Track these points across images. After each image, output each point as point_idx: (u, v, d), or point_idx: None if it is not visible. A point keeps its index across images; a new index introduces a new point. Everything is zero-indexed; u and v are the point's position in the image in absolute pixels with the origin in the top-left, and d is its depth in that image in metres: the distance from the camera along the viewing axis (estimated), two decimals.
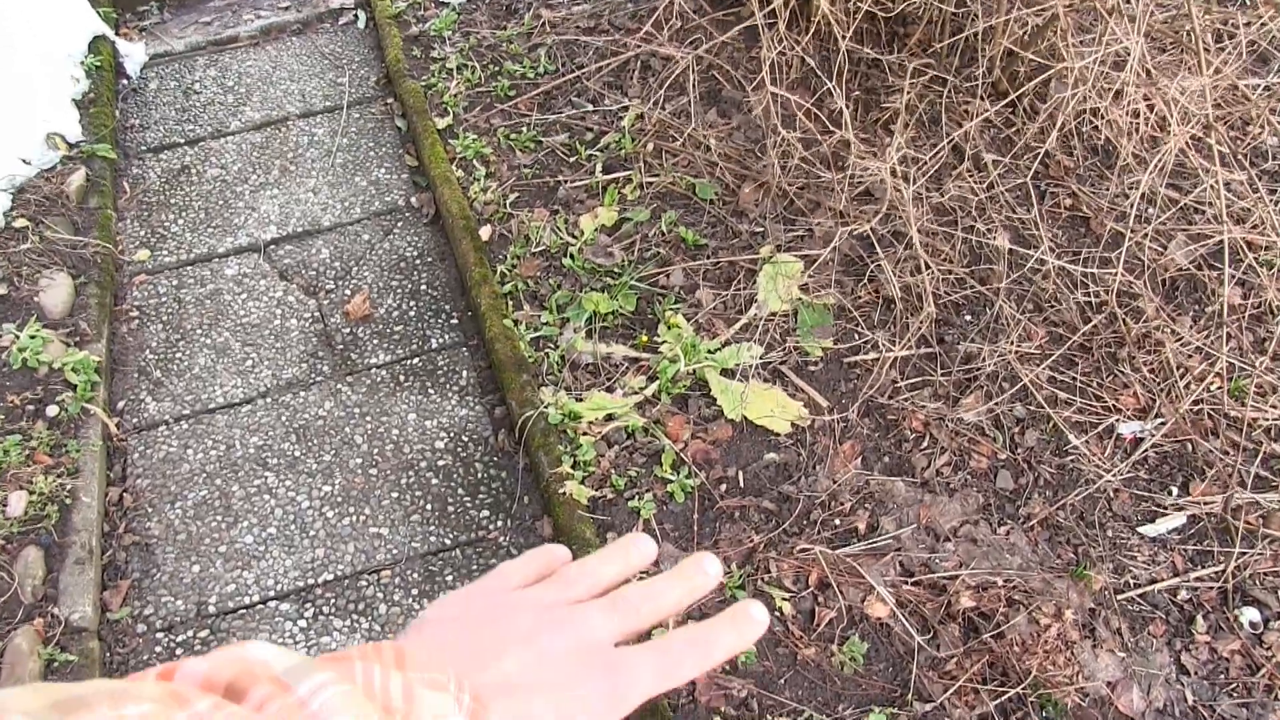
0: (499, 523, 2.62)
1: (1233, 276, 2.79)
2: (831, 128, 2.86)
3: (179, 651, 2.45)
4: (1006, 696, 2.20)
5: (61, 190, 3.38)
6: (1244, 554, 2.46)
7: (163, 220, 3.44)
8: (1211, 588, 2.43)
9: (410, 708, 0.46)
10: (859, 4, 2.76)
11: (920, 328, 2.71)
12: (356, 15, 4.34)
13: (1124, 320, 2.73)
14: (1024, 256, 2.81)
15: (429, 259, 3.23)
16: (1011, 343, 2.70)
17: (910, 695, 2.22)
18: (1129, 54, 2.51)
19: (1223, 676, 2.30)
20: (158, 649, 2.46)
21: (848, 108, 2.61)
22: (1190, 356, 2.76)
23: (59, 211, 3.33)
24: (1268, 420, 2.67)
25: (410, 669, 0.48)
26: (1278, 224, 2.59)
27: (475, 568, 2.53)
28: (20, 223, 3.24)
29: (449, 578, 2.52)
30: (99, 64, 3.95)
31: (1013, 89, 3.07)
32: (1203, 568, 2.46)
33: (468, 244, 3.05)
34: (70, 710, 0.36)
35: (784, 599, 2.32)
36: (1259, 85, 3.12)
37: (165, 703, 0.39)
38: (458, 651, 0.54)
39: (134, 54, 4.18)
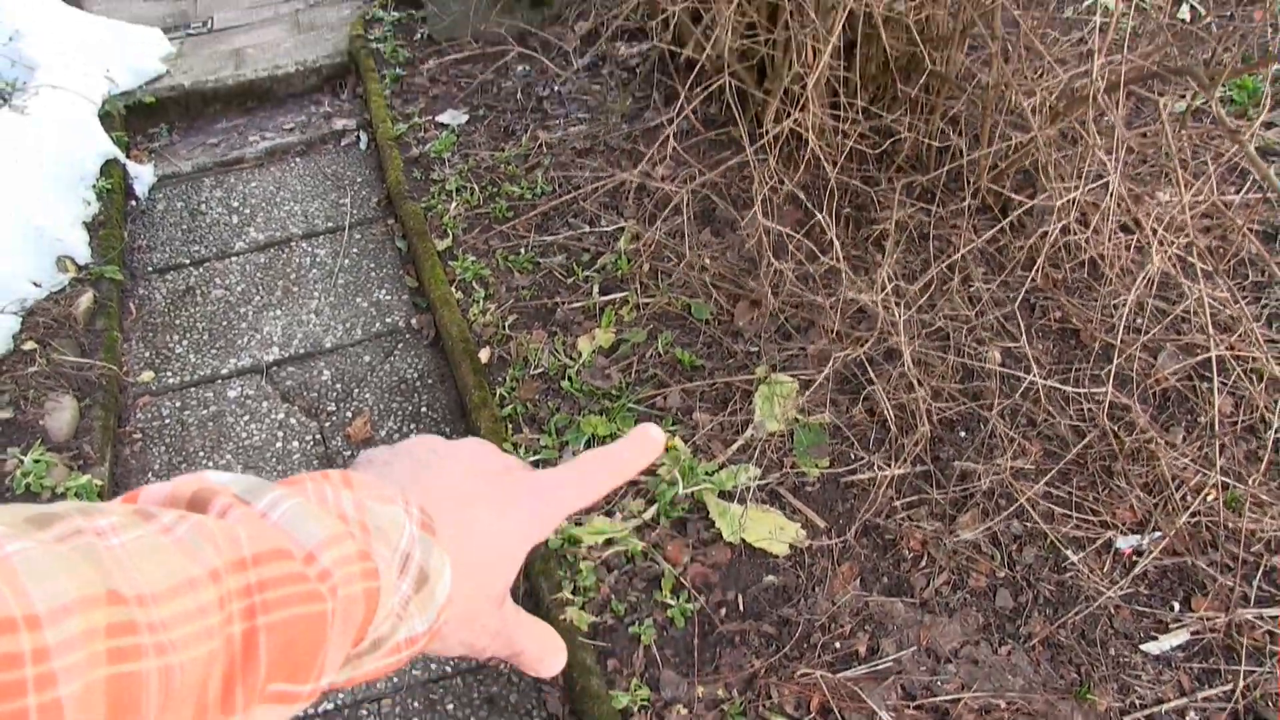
0: None
1: (1222, 387, 2.82)
2: (821, 256, 2.92)
3: None
4: None
5: (69, 313, 3.44)
6: (1252, 672, 2.45)
7: (167, 341, 3.50)
8: (1220, 709, 2.42)
9: (363, 518, 0.48)
10: (845, 141, 2.84)
11: (915, 447, 2.73)
12: (358, 137, 4.44)
13: (1116, 434, 2.76)
14: (1016, 374, 2.84)
15: (429, 381, 3.28)
16: (1006, 460, 2.72)
17: None
18: (1108, 173, 2.57)
19: None
20: None
21: (838, 236, 2.67)
22: (1185, 469, 2.78)
23: (66, 334, 3.38)
24: (1266, 533, 2.68)
25: (358, 489, 0.50)
26: (1260, 338, 2.63)
27: (476, 695, 2.53)
28: (29, 345, 3.29)
29: (449, 705, 2.52)
30: (109, 186, 4.04)
31: (998, 206, 3.13)
32: (1210, 687, 2.45)
33: (467, 366, 3.10)
34: (44, 523, 0.37)
35: None
36: (1236, 200, 3.19)
37: (132, 517, 0.40)
38: (396, 475, 0.56)
39: (143, 175, 4.28)
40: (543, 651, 0.63)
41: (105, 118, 4.44)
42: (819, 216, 2.82)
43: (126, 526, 0.39)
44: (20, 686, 0.32)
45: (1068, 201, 2.46)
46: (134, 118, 4.72)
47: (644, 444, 0.64)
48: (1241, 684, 2.42)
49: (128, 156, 4.37)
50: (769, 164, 2.79)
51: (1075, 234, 2.70)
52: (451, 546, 0.53)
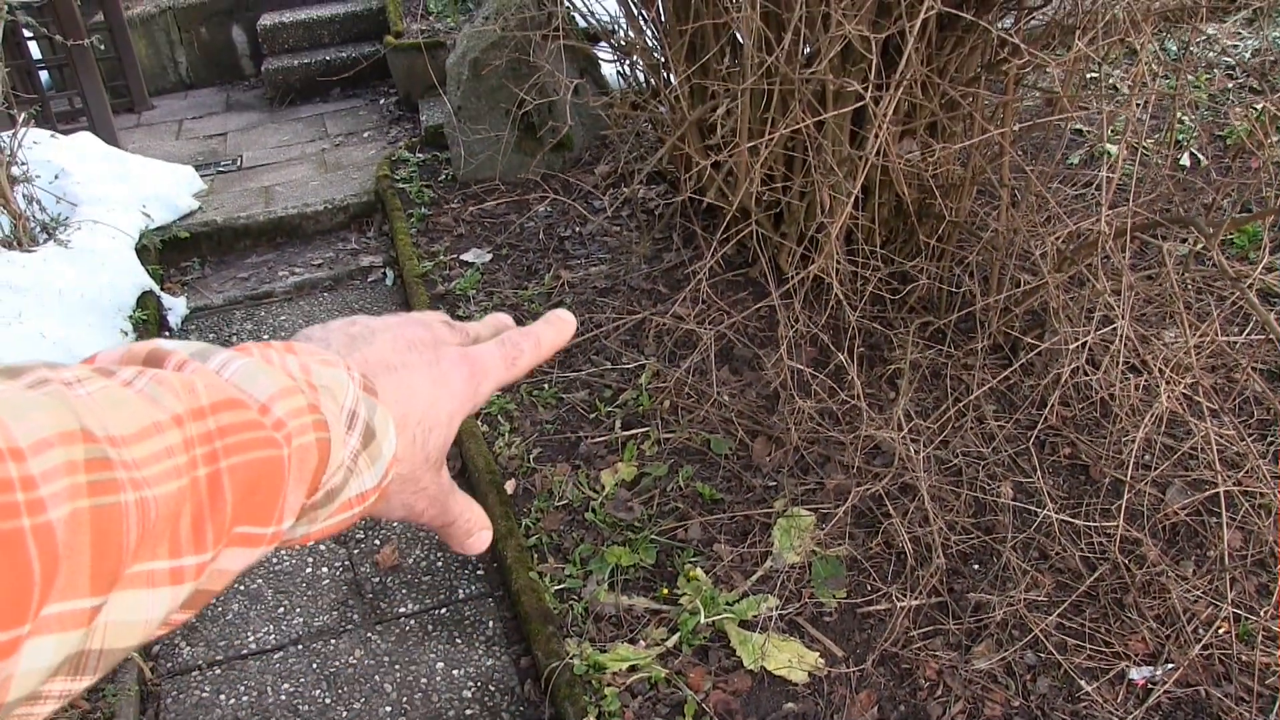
0: None
1: (1231, 521, 2.90)
2: (840, 392, 3.03)
3: None
4: None
5: None
6: None
7: None
8: None
9: (309, 378, 0.50)
10: (864, 285, 2.98)
11: (930, 579, 2.81)
12: (385, 273, 4.61)
13: (1128, 567, 2.83)
14: (1028, 509, 2.93)
15: None
16: (1020, 591, 2.79)
17: None
18: (1116, 318, 2.69)
19: None
20: None
21: (856, 374, 2.79)
22: (1196, 601, 2.85)
23: None
24: (1279, 666, 2.73)
25: (301, 355, 0.52)
26: (1267, 473, 2.72)
27: None
28: None
29: None
30: (145, 317, 4.18)
31: (1009, 347, 3.26)
32: None
33: (494, 498, 3.19)
34: (13, 374, 0.39)
35: None
36: (1240, 340, 3.31)
37: (94, 373, 0.42)
38: (334, 344, 0.57)
39: (177, 307, 4.43)
40: (472, 525, 0.66)
41: (141, 251, 4.61)
42: (838, 356, 2.94)
43: (90, 378, 0.41)
44: (14, 508, 0.34)
45: (1079, 345, 2.58)
46: (168, 251, 4.91)
47: (560, 326, 0.69)
48: None
49: (162, 289, 4.53)
50: (794, 307, 2.93)
51: (1085, 374, 2.81)
52: (394, 407, 0.55)
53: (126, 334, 4.04)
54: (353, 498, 0.52)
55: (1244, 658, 2.74)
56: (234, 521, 0.44)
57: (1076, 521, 2.90)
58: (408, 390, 0.57)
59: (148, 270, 4.46)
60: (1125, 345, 2.61)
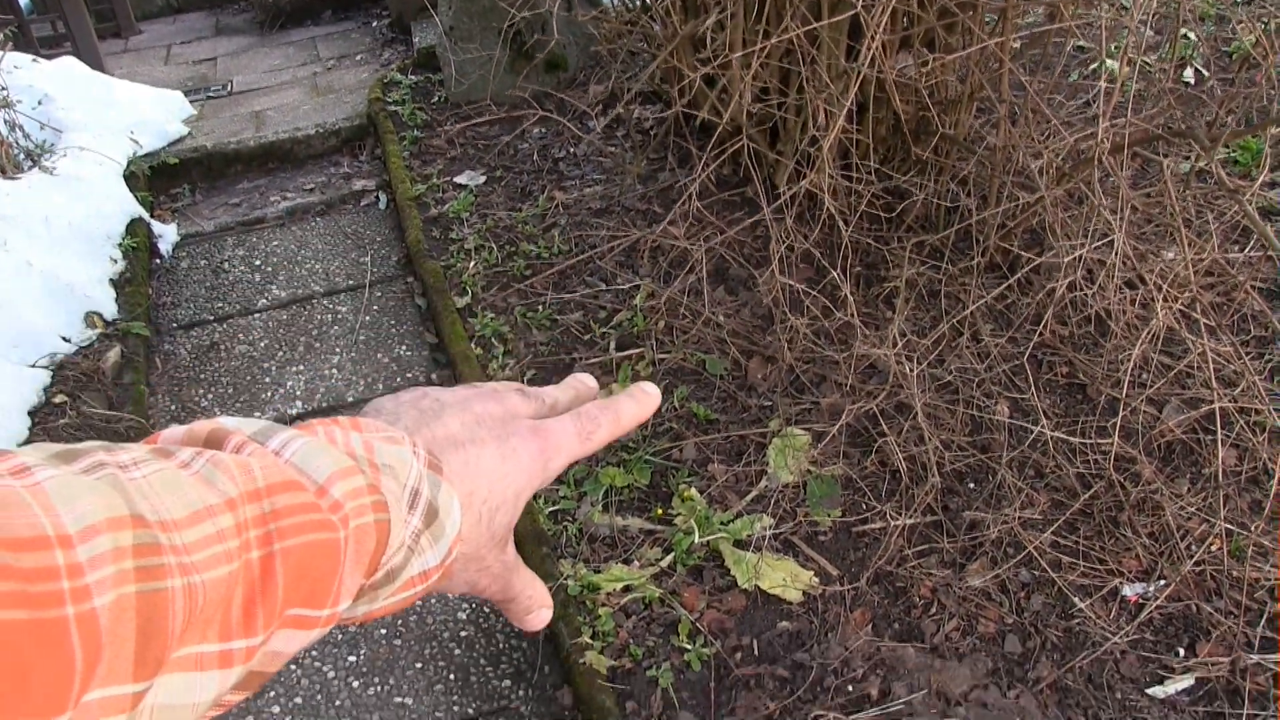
0: (520, 692, 2.68)
1: (1226, 439, 2.89)
2: (835, 310, 3.01)
3: None
4: None
5: (98, 367, 3.53)
6: (1256, 715, 2.50)
7: (193, 395, 3.58)
8: None
9: (371, 456, 0.50)
10: (858, 201, 2.94)
11: (925, 497, 2.80)
12: (378, 197, 4.56)
13: (1123, 485, 2.83)
14: (1024, 426, 2.92)
15: None
16: (1015, 510, 2.79)
17: None
18: (1113, 233, 2.66)
19: None
20: None
21: (852, 292, 2.76)
22: (1190, 519, 2.85)
23: (95, 387, 3.47)
24: (1269, 580, 2.74)
25: (366, 432, 0.52)
26: (1263, 391, 2.71)
27: None
28: (59, 398, 3.38)
29: None
30: (135, 245, 4.15)
31: (1006, 264, 3.23)
32: None
33: None
34: (70, 458, 0.40)
35: None
36: (1240, 258, 3.28)
37: (152, 453, 0.43)
38: (402, 419, 0.57)
39: (167, 234, 4.39)
40: (533, 602, 0.65)
41: (130, 178, 4.56)
42: (833, 274, 2.91)
43: (147, 461, 0.41)
44: (58, 597, 0.34)
45: (1074, 259, 2.55)
46: (158, 178, 4.85)
47: (643, 400, 0.67)
48: None
49: (152, 216, 4.49)
50: (785, 223, 2.90)
51: (1081, 290, 2.79)
52: (459, 485, 0.55)
53: (116, 261, 4.01)
54: (415, 576, 0.52)
55: (1235, 573, 2.75)
56: (286, 604, 0.44)
57: (1072, 439, 2.90)
58: (475, 467, 0.57)
59: (137, 198, 4.42)
60: (1123, 261, 2.58)
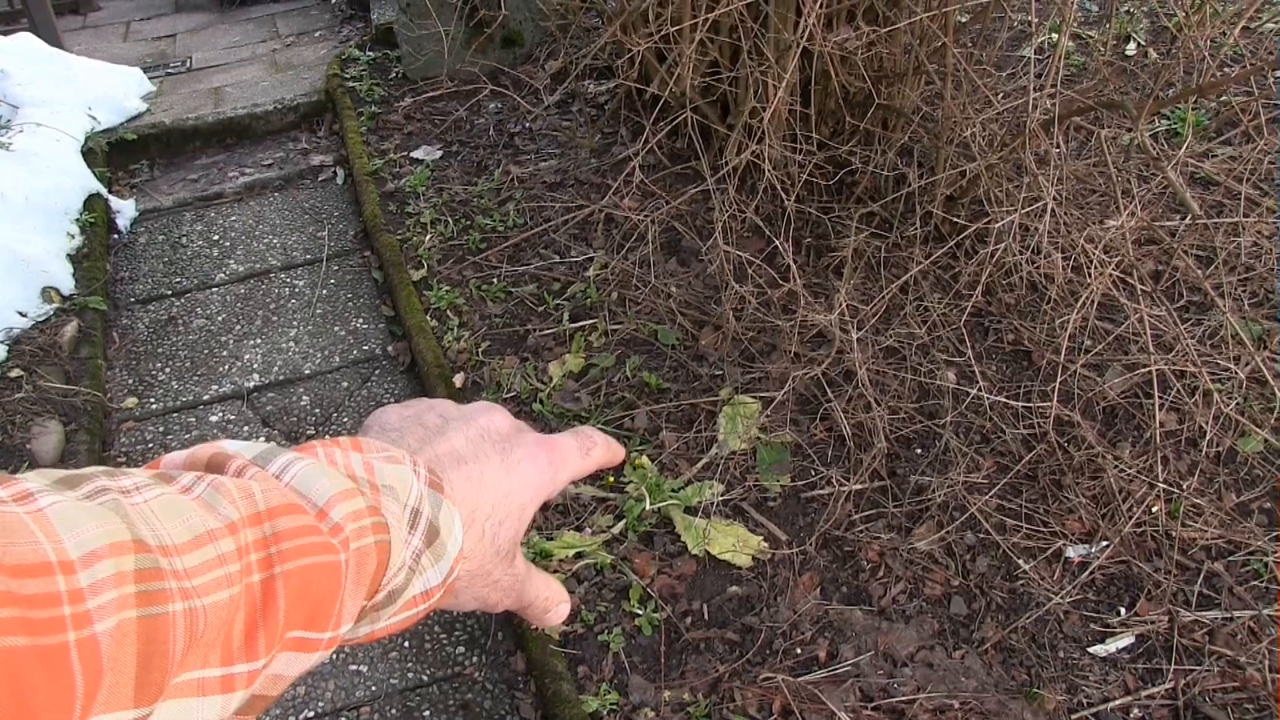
0: (474, 658, 2.72)
1: (1164, 403, 2.96)
2: (781, 281, 3.05)
3: None
4: None
5: (55, 341, 3.53)
6: (1192, 671, 2.57)
7: (150, 369, 3.59)
8: (1163, 705, 2.53)
9: (372, 477, 0.50)
10: (803, 173, 2.98)
11: (872, 463, 2.86)
12: (335, 172, 4.57)
13: (1065, 448, 2.89)
14: (967, 391, 2.97)
15: None
16: (960, 474, 2.85)
17: None
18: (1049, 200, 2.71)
19: None
20: None
21: (796, 260, 2.81)
22: (1131, 481, 2.91)
23: (52, 361, 3.47)
24: (1206, 540, 2.81)
25: (367, 452, 0.52)
26: (1197, 356, 2.77)
27: (451, 703, 2.63)
28: (15, 373, 3.38)
29: (426, 713, 2.61)
30: (93, 220, 4.14)
31: (951, 233, 3.28)
32: (1153, 685, 2.56)
33: (443, 391, 3.21)
34: (73, 483, 0.40)
35: None
36: (1180, 226, 3.35)
37: (154, 478, 0.43)
38: (405, 436, 0.58)
39: (125, 210, 4.38)
40: (549, 603, 0.66)
41: (88, 154, 4.55)
42: (778, 244, 2.95)
43: (149, 486, 0.42)
44: (59, 623, 0.34)
45: (1008, 224, 2.60)
46: (116, 154, 4.84)
47: (618, 450, 0.69)
48: (1182, 682, 2.54)
49: (110, 191, 4.48)
50: (729, 193, 2.93)
51: (1018, 257, 2.84)
52: (461, 502, 0.55)
53: (74, 237, 4.00)
54: (416, 596, 0.52)
55: (1174, 533, 2.82)
56: (287, 627, 0.44)
57: (1015, 403, 2.95)
58: (477, 483, 0.57)
59: (95, 173, 4.41)
60: (1059, 229, 2.64)
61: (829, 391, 3.01)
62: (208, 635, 0.40)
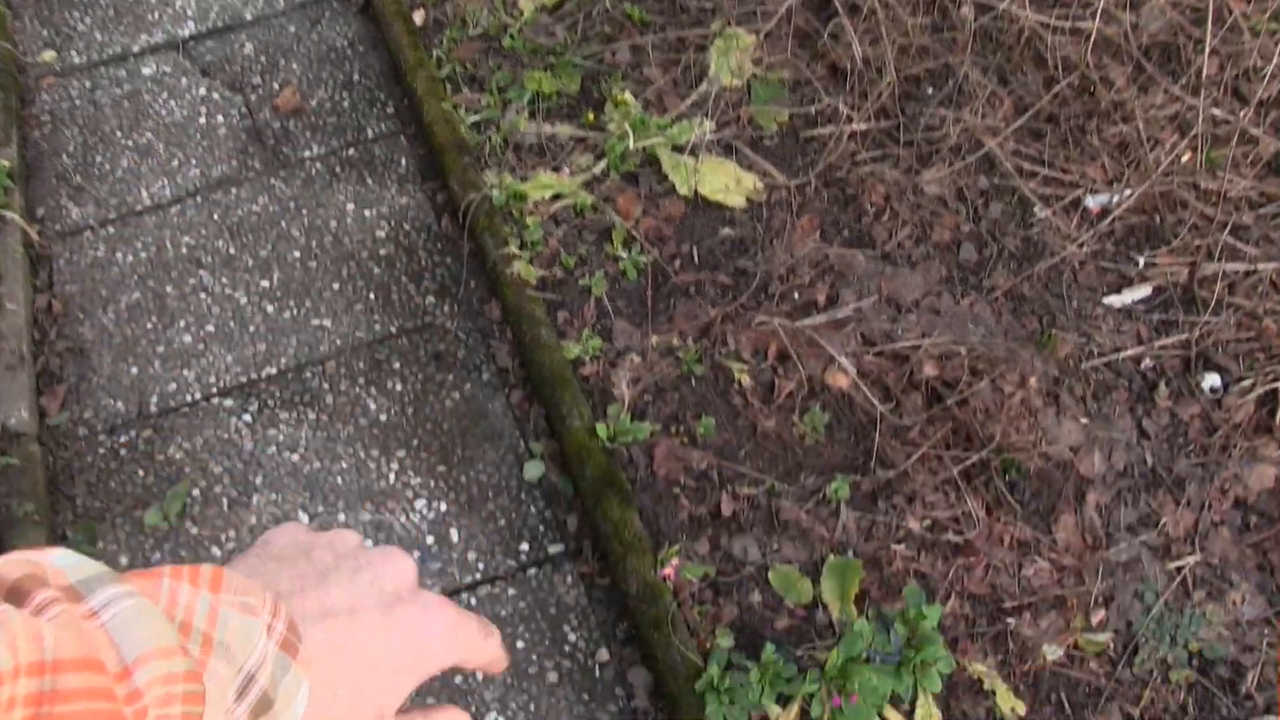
0: (445, 307, 2.51)
1: (1200, 46, 2.68)
2: None
3: (124, 453, 2.35)
4: (970, 462, 2.14)
5: None
6: (1209, 322, 2.40)
7: (66, 19, 3.21)
8: (1175, 355, 2.38)
9: (213, 630, 0.44)
10: None
11: (880, 96, 2.58)
12: None
13: (1093, 88, 2.62)
14: (990, 5, 2.66)
15: (360, 48, 3.05)
16: (976, 112, 2.59)
17: (873, 463, 2.16)
18: None
19: (1181, 439, 2.26)
20: (101, 450, 2.36)
21: None
22: (1163, 128, 2.67)
23: None
24: (1239, 191, 2.59)
25: (225, 592, 0.46)
26: None
27: (422, 353, 2.44)
28: None
29: (396, 364, 2.43)
30: None
31: None
32: (1167, 336, 2.41)
33: (401, 28, 2.88)
34: None
35: (742, 371, 2.24)
36: None
37: None
38: (283, 573, 0.52)
39: None
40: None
41: None
42: None
43: None
44: None
45: None
46: None
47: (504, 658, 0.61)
48: (1197, 333, 2.37)
49: None
50: None
51: None
52: (316, 666, 0.49)
53: None
54: None
55: (1204, 184, 2.59)
56: None
57: (1049, 20, 2.64)
58: (342, 648, 0.50)
59: None
60: None
61: (834, 23, 2.70)
62: None
